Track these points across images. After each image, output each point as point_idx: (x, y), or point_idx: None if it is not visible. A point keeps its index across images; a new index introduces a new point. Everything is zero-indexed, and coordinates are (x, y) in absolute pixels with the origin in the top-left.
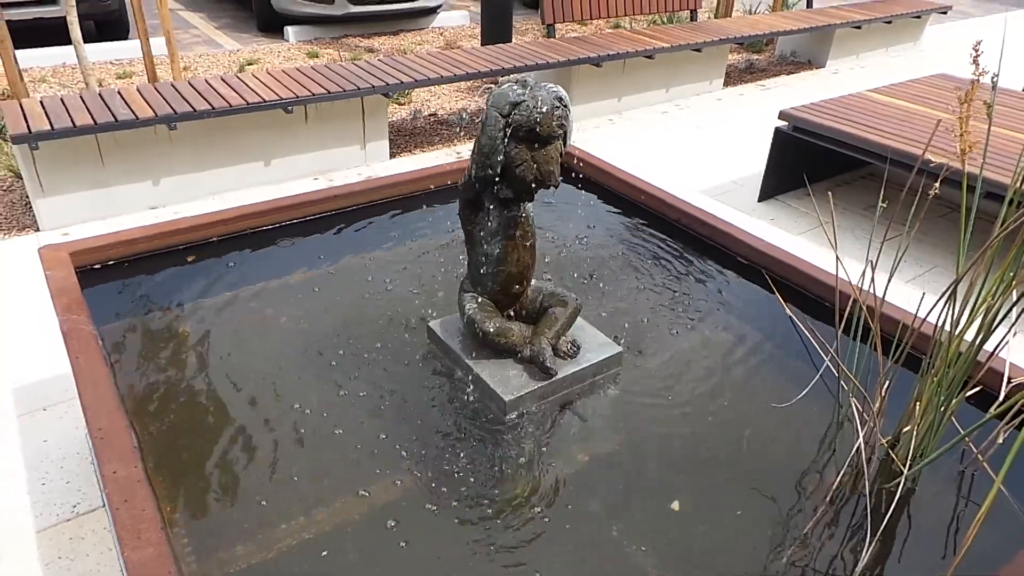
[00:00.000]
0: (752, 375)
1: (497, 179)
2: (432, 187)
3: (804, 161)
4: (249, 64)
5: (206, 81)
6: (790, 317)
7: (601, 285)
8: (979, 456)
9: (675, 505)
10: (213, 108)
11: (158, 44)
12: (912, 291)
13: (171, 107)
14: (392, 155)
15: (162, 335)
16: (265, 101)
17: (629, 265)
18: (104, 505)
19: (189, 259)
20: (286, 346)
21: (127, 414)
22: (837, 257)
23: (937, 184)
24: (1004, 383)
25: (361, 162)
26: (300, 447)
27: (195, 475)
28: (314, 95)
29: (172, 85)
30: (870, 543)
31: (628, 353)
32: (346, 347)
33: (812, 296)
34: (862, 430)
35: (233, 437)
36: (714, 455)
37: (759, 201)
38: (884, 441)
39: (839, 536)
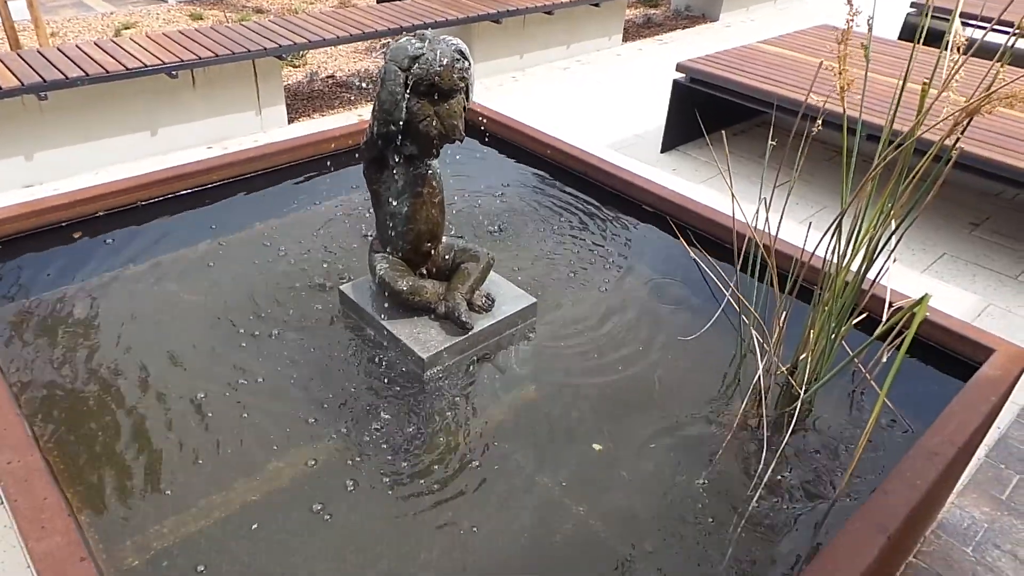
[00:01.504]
0: (661, 317)
1: (400, 135)
2: (334, 148)
3: (702, 112)
4: (126, 28)
5: (78, 47)
6: (694, 260)
7: (512, 239)
8: (867, 376)
9: (596, 447)
10: (88, 75)
11: (18, 8)
12: (804, 230)
13: (39, 75)
14: (291, 120)
15: (53, 318)
16: (147, 66)
17: (539, 218)
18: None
19: (75, 236)
20: (191, 321)
21: (18, 402)
22: (734, 197)
23: (819, 122)
24: (886, 307)
25: (257, 129)
26: (214, 421)
27: (103, 460)
28: (201, 59)
29: (39, 52)
30: (770, 462)
31: (542, 304)
32: (256, 318)
33: (713, 239)
34: (762, 360)
35: (140, 419)
36: (629, 396)
37: (662, 152)
38: (783, 369)
39: (744, 458)
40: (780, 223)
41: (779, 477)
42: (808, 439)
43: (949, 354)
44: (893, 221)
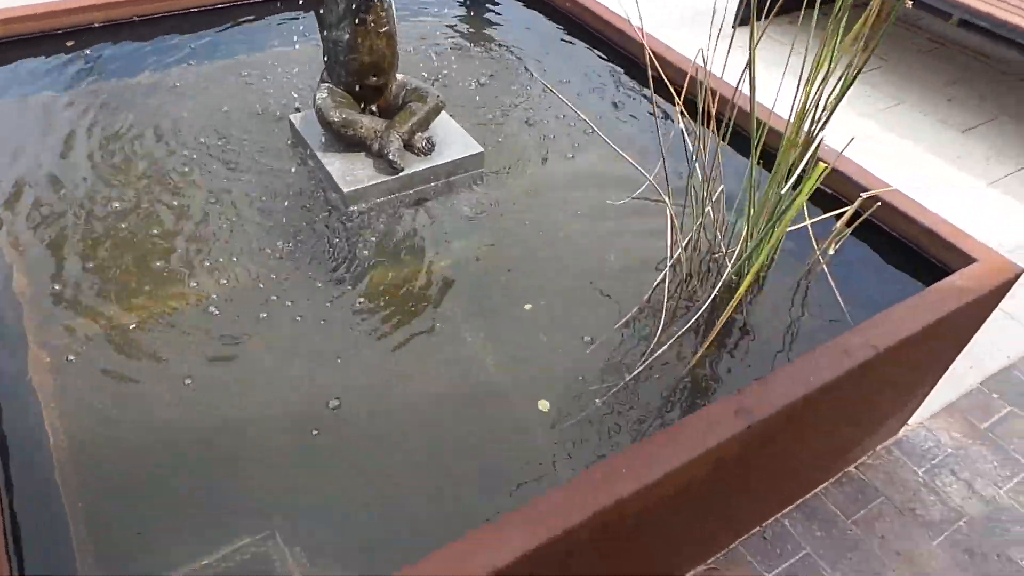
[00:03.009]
0: (613, 179)
1: None
2: None
3: None
4: None
5: None
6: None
7: (494, 90)
8: (819, 257)
9: (527, 306)
10: None
11: None
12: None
13: None
14: None
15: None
16: None
17: (532, 77)
18: None
19: (68, 44)
20: (146, 137)
21: None
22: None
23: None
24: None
25: None
26: (130, 232)
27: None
28: None
29: None
30: (664, 342)
31: (497, 159)
32: (206, 143)
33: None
34: (698, 227)
35: (80, 224)
36: (568, 259)
37: (734, 27)
38: (723, 247)
39: (677, 334)
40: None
41: (716, 358)
42: (749, 315)
43: (932, 261)
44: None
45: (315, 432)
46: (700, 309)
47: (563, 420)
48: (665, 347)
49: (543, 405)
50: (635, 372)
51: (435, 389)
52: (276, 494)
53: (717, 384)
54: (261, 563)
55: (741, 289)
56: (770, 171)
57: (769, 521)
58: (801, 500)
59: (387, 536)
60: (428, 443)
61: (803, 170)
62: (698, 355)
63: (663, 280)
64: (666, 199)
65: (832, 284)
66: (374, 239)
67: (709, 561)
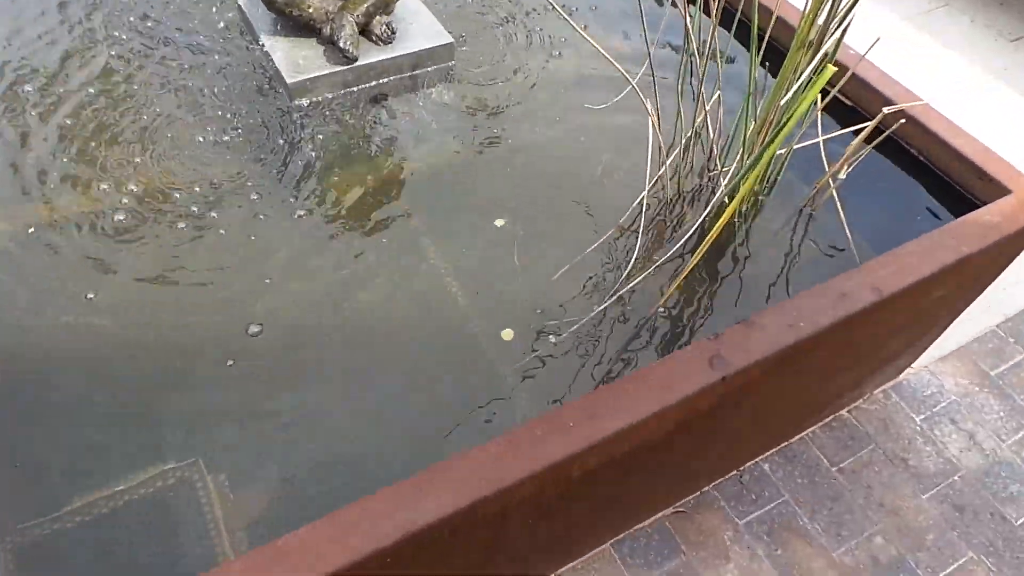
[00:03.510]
0: (603, 81)
1: None
2: None
3: None
4: None
5: None
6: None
7: None
8: (829, 180)
9: (499, 222)
10: None
11: None
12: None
13: None
14: None
15: None
16: None
17: None
18: None
19: None
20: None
21: None
22: None
23: None
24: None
25: None
26: (71, 133)
27: None
28: None
29: None
30: (635, 275)
31: (473, 56)
32: (139, 25)
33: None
34: (703, 149)
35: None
36: (549, 170)
37: None
38: (718, 164)
39: (656, 263)
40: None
41: (695, 291)
42: (720, 253)
43: (960, 191)
44: None
45: (245, 356)
46: (685, 236)
47: (527, 353)
48: (639, 279)
49: (507, 334)
50: (603, 305)
51: (388, 311)
52: (205, 417)
53: (694, 324)
54: (183, 489)
55: (728, 210)
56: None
57: (748, 464)
58: (785, 443)
59: (317, 471)
60: (374, 370)
61: (813, 74)
62: (672, 287)
63: (641, 202)
64: (648, 106)
65: (841, 213)
66: (322, 139)
67: (677, 504)
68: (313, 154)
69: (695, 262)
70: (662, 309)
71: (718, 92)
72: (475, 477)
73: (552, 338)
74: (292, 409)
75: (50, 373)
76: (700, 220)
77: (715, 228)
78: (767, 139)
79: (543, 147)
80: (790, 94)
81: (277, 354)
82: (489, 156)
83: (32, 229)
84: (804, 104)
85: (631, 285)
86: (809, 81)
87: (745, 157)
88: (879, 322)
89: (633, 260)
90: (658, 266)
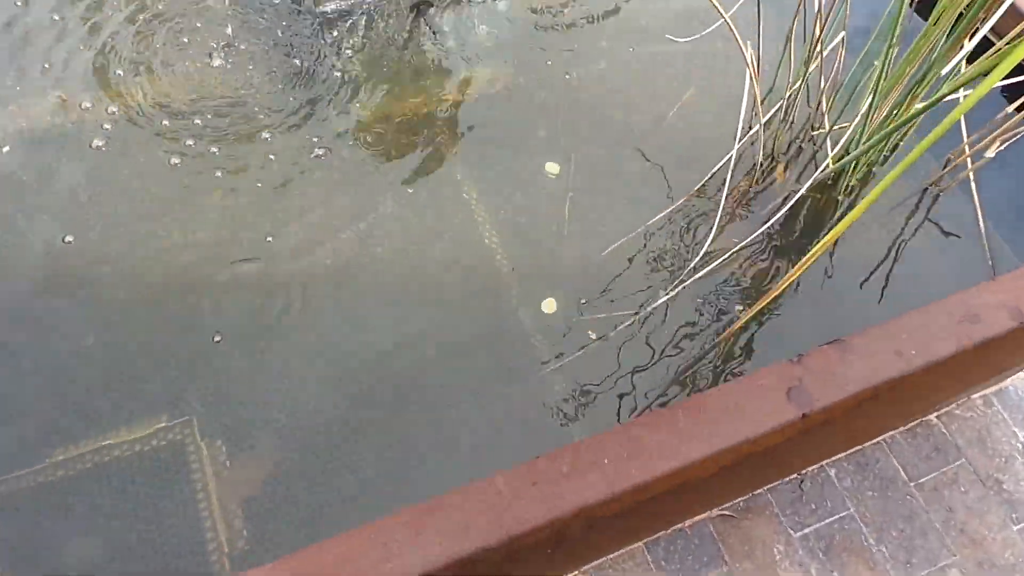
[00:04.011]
0: (699, 9)
1: None
2: None
3: None
4: None
5: None
6: None
7: None
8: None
9: (552, 169)
10: None
11: None
12: None
13: None
14: None
15: None
16: None
17: None
18: None
19: None
20: None
21: None
22: None
23: None
24: None
25: None
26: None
27: None
28: None
29: None
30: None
31: None
32: None
33: None
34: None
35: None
36: (613, 112)
37: None
38: (826, 123)
39: (738, 242)
40: None
41: (739, 279)
42: (811, 235)
43: None
44: None
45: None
46: (772, 217)
47: (568, 333)
48: (710, 268)
49: (548, 305)
50: (660, 300)
51: (414, 266)
52: (203, 376)
53: (771, 333)
54: (174, 451)
55: (858, 210)
56: (927, 19)
57: (812, 468)
58: (858, 447)
59: (314, 436)
60: (394, 337)
61: (982, 13)
62: (753, 311)
63: (728, 162)
64: (741, 44)
65: (976, 201)
66: (350, 55)
67: (724, 506)
68: (336, 75)
69: (789, 282)
70: (731, 311)
71: (842, 34)
72: (481, 520)
73: (592, 333)
74: (300, 370)
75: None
76: (800, 191)
77: (832, 234)
78: (911, 95)
79: (612, 80)
80: (948, 39)
81: (299, 314)
82: (548, 84)
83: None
84: (994, 76)
85: (699, 275)
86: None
87: (871, 116)
88: (1014, 350)
89: (710, 240)
90: (735, 251)
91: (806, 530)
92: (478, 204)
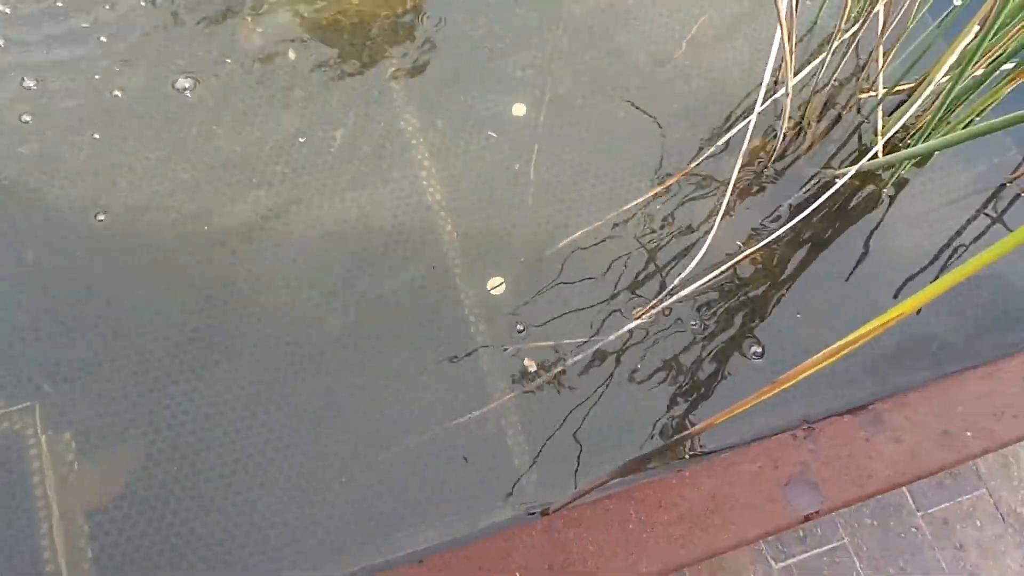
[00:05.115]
0: None
1: None
2: None
3: None
4: None
5: None
6: None
7: None
8: None
9: (518, 109)
10: None
11: None
12: None
13: None
14: None
15: None
16: None
17: None
18: None
19: None
20: None
21: None
22: None
23: None
24: None
25: None
26: None
27: None
28: None
29: None
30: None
31: None
32: None
33: None
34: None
35: None
36: (605, 43)
37: None
38: (879, 84)
39: (743, 248)
40: None
41: (746, 288)
42: (840, 233)
43: None
44: None
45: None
46: (795, 217)
47: (515, 321)
48: (710, 278)
49: (495, 286)
50: (633, 324)
51: (345, 229)
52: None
53: (774, 366)
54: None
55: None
56: None
57: None
58: None
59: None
60: (316, 315)
61: None
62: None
63: (744, 130)
64: None
65: None
66: None
67: None
68: None
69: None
70: (731, 328)
71: None
72: None
73: (532, 365)
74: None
75: None
76: (849, 173)
77: (972, 265)
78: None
79: (606, 7)
80: None
81: (206, 280)
82: (524, 8)
83: None
84: None
85: (697, 286)
86: None
87: (956, 84)
88: None
89: (715, 226)
90: (742, 258)
91: (789, 561)
92: (425, 156)
